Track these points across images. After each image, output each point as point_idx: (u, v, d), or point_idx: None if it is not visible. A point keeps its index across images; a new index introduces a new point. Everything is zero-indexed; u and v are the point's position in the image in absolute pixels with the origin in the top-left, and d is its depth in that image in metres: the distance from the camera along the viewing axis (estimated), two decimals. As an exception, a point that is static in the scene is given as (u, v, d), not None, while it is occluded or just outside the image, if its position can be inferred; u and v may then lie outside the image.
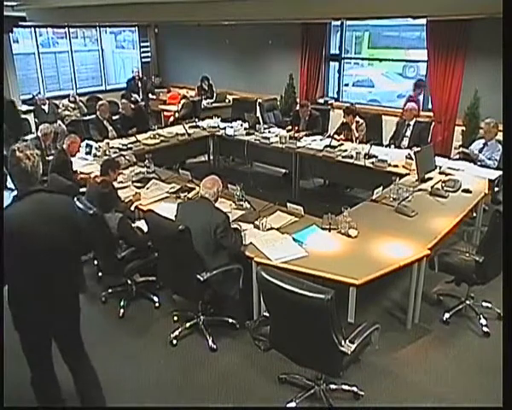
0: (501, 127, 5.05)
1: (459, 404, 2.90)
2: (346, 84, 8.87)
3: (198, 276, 3.17)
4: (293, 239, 3.50)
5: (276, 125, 7.12)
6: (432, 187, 4.46)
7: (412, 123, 6.11)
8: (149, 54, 10.86)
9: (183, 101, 8.13)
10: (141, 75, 9.95)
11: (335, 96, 8.43)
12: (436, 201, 4.26)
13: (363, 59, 9.98)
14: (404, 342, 3.44)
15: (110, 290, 3.99)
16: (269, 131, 6.69)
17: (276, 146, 6.18)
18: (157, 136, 6.52)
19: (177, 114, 7.99)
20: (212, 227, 3.21)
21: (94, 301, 3.96)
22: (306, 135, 6.43)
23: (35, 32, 9.26)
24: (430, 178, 4.71)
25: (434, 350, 3.41)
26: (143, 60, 10.88)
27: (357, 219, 3.67)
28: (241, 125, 7.01)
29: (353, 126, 6.20)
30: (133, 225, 3.82)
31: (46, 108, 8.09)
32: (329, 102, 8.19)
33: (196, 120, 7.38)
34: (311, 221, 3.79)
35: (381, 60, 9.92)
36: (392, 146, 6.08)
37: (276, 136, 6.39)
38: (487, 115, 5.68)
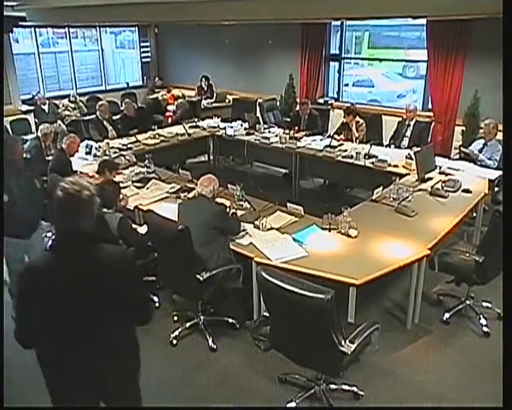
0: (501, 127, 5.05)
1: (459, 404, 2.90)
2: (346, 84, 8.86)
3: (198, 276, 3.18)
4: (293, 239, 3.50)
5: (276, 125, 7.12)
6: (432, 187, 4.46)
7: (412, 123, 6.12)
8: (149, 54, 10.86)
9: (177, 102, 8.11)
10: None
11: (335, 96, 8.43)
12: (436, 201, 4.26)
13: (363, 59, 9.97)
14: (404, 342, 3.44)
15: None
16: (269, 131, 6.69)
17: (276, 146, 6.18)
18: (157, 136, 6.52)
19: (173, 116, 8.00)
20: (213, 218, 3.32)
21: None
22: (306, 135, 6.44)
23: (35, 32, 9.25)
24: (430, 178, 4.71)
25: (434, 350, 3.41)
26: (143, 60, 10.88)
27: (357, 219, 3.67)
28: (241, 125, 7.01)
29: (353, 126, 6.20)
30: (133, 226, 3.82)
31: (46, 108, 8.08)
32: (329, 102, 8.19)
33: (196, 119, 7.38)
34: (311, 221, 3.79)
35: (381, 60, 9.92)
36: (392, 146, 6.09)
37: (276, 136, 6.39)
38: (487, 115, 5.69)
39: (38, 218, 3.59)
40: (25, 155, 5.33)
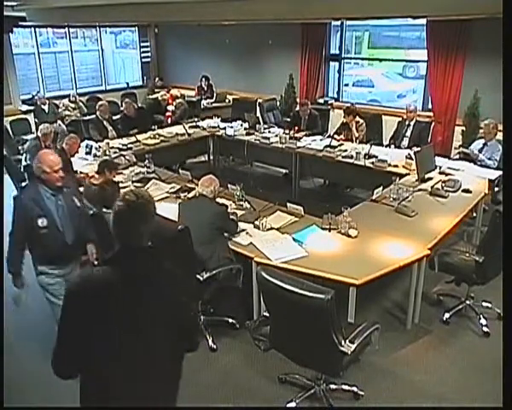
0: (501, 127, 5.05)
1: (459, 404, 2.90)
2: (346, 84, 8.86)
3: (198, 276, 3.18)
4: (293, 239, 3.50)
5: (276, 125, 7.12)
6: (432, 187, 4.46)
7: (412, 123, 6.12)
8: (149, 54, 10.86)
9: (175, 102, 8.11)
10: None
11: (335, 96, 8.43)
12: (436, 201, 4.26)
13: (363, 59, 9.97)
14: (404, 342, 3.45)
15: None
16: (269, 131, 6.69)
17: (276, 146, 6.18)
18: (157, 136, 6.52)
19: (173, 116, 8.00)
20: (215, 218, 3.35)
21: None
22: (306, 135, 6.44)
23: (35, 32, 9.25)
24: (430, 178, 4.71)
25: (434, 350, 3.41)
26: (143, 60, 10.88)
27: (357, 219, 3.67)
28: (241, 125, 7.02)
29: (353, 126, 6.20)
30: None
31: (46, 108, 8.08)
32: (329, 102, 8.19)
33: (196, 119, 7.39)
34: (311, 221, 3.79)
35: (381, 60, 9.91)
36: (392, 146, 6.09)
37: (276, 136, 6.39)
38: (487, 115, 5.69)
39: (79, 241, 3.11)
40: (25, 156, 5.39)
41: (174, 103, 8.12)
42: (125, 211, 1.64)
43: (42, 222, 2.85)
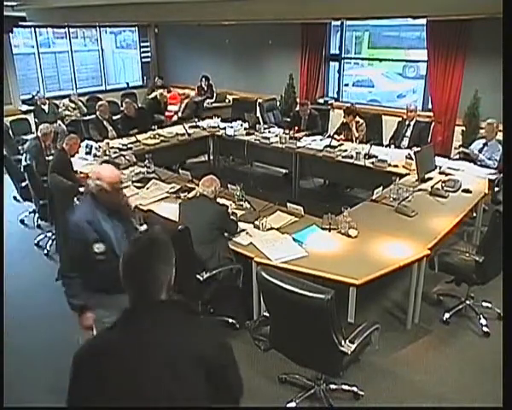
0: (501, 127, 5.05)
1: (459, 404, 2.90)
2: (346, 84, 8.87)
3: (198, 276, 3.18)
4: (293, 239, 3.50)
5: (276, 125, 7.12)
6: (432, 187, 4.46)
7: (412, 123, 6.12)
8: (149, 54, 10.87)
9: (185, 101, 8.13)
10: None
11: (335, 96, 8.43)
12: (436, 201, 4.26)
13: (363, 59, 9.98)
14: (404, 342, 3.44)
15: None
16: (269, 131, 6.69)
17: (276, 146, 6.18)
18: (157, 136, 6.52)
19: (179, 114, 8.00)
20: (216, 218, 3.36)
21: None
22: (306, 135, 6.44)
23: (35, 32, 9.25)
24: (430, 178, 4.71)
25: (434, 350, 3.41)
26: (143, 60, 10.89)
27: (357, 219, 3.67)
28: (241, 125, 7.02)
29: (353, 126, 6.20)
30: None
31: (46, 108, 8.08)
32: (329, 102, 8.19)
33: (196, 119, 7.39)
34: (311, 221, 3.79)
35: (381, 60, 9.92)
36: (392, 146, 6.09)
37: (276, 136, 6.39)
38: (487, 115, 5.69)
39: None
40: (25, 156, 5.39)
41: (185, 101, 8.14)
42: (136, 257, 1.39)
43: (98, 248, 2.48)
